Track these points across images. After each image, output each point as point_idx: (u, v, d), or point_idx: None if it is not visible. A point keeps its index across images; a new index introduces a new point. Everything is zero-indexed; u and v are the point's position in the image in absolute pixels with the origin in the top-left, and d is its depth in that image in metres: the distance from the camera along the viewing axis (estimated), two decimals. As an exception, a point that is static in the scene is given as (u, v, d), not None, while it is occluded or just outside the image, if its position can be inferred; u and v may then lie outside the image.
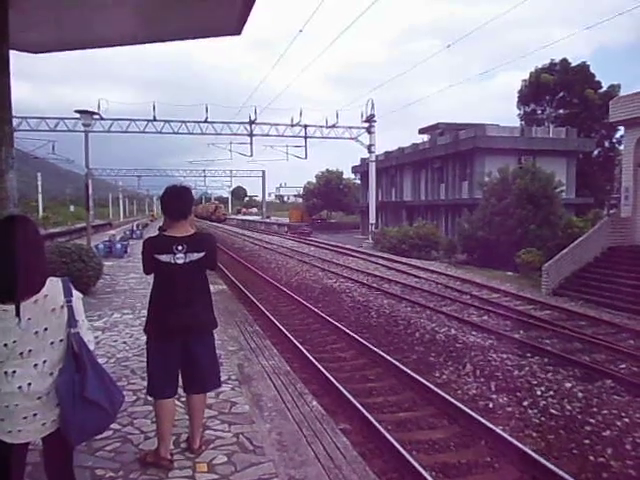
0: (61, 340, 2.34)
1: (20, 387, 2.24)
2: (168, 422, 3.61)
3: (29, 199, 53.15)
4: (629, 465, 5.19)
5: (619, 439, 5.74)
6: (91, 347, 2.47)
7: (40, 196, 53.36)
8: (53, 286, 2.36)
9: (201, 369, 3.65)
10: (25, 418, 2.26)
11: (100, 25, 4.97)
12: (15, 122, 28.21)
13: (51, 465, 2.51)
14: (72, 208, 55.60)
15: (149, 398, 4.18)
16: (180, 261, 3.45)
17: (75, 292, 2.43)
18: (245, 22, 4.84)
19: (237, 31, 5.15)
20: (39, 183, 53.36)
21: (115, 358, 6.19)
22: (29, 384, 2.25)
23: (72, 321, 2.35)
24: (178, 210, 3.58)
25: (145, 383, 3.98)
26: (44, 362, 2.29)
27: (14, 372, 2.23)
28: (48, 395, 2.30)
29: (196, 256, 3.49)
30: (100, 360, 6.10)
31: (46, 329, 2.29)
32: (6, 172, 3.92)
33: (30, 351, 2.25)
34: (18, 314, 2.22)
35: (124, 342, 6.96)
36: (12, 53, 4.08)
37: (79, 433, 2.41)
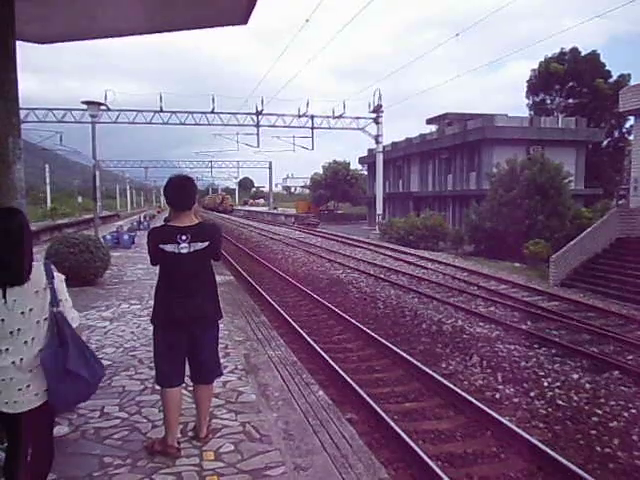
0: (45, 319, 2.55)
1: (13, 362, 2.47)
2: (175, 411, 3.64)
3: (37, 190, 53.46)
4: (636, 456, 5.19)
5: (626, 430, 5.73)
6: (74, 324, 2.68)
7: (48, 187, 53.63)
8: (36, 270, 2.56)
9: (204, 359, 3.68)
10: (20, 390, 2.49)
11: (106, 15, 4.96)
12: (23, 113, 28.29)
13: (34, 431, 2.68)
14: (80, 199, 55.84)
15: (157, 387, 4.21)
16: (184, 251, 3.46)
17: (56, 274, 2.65)
18: (251, 11, 4.82)
19: (243, 21, 5.12)
20: (47, 174, 53.58)
21: (123, 348, 6.23)
22: (21, 359, 2.48)
23: (55, 301, 2.57)
24: (181, 200, 3.57)
25: (153, 372, 4.01)
26: (32, 339, 2.51)
27: (7, 349, 2.46)
28: (38, 368, 2.52)
29: (200, 246, 3.49)
30: (108, 350, 6.19)
31: (31, 309, 2.50)
32: (14, 163, 3.92)
33: (19, 330, 2.48)
34: (5, 296, 2.44)
35: (132, 332, 7.01)
36: (19, 44, 4.08)
37: (63, 401, 2.68)
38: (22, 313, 2.48)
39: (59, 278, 2.66)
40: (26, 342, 2.49)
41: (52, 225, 33.69)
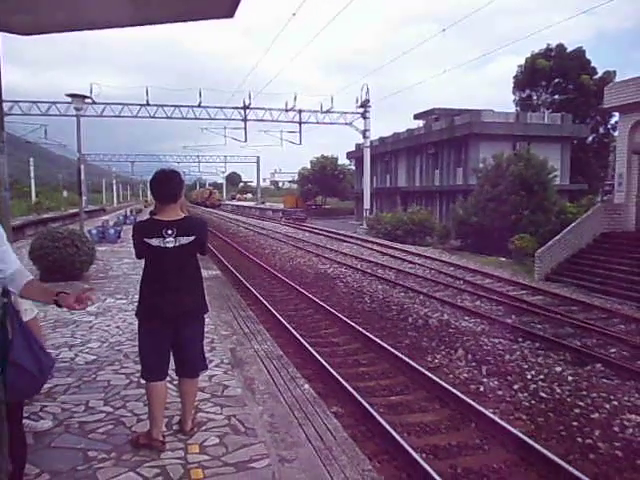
0: None
1: None
2: (160, 404, 3.64)
3: (21, 184, 52.79)
4: (616, 447, 5.27)
5: (607, 421, 5.82)
6: (30, 316, 2.73)
7: (32, 181, 52.92)
8: None
9: (189, 353, 3.69)
10: None
11: (91, 7, 4.90)
12: (6, 106, 27.92)
13: None
14: (65, 193, 55.22)
15: (142, 381, 4.21)
16: (170, 245, 3.45)
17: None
18: (238, 4, 4.78)
19: (230, 14, 5.08)
20: (31, 168, 52.88)
21: (108, 342, 6.20)
22: None
23: (5, 291, 2.56)
24: (167, 194, 3.56)
25: (138, 367, 4.00)
26: None
27: None
28: None
29: (186, 240, 3.49)
30: (93, 344, 6.17)
31: None
32: (-4, 156, 3.89)
33: None
34: None
35: (117, 327, 6.97)
36: (2, 35, 4.03)
37: (9, 393, 2.58)
38: None
39: None
40: None
41: (37, 219, 33.29)
